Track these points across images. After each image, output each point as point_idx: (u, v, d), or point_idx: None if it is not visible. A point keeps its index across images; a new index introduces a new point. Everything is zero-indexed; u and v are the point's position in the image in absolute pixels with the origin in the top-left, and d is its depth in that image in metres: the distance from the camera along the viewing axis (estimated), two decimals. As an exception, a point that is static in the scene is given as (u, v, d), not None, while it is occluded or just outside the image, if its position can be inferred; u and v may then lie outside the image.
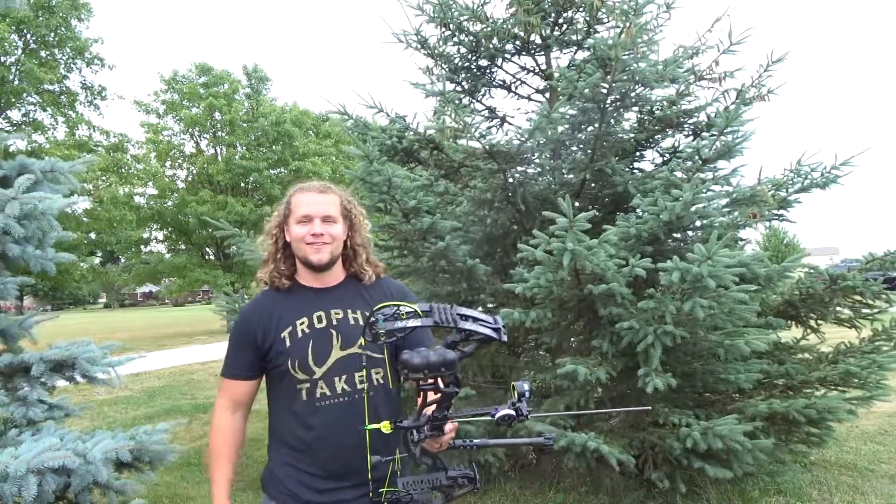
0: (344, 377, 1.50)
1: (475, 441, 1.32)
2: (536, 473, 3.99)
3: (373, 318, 1.10)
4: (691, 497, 3.44)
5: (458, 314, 1.12)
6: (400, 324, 1.10)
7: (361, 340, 1.53)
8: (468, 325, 1.10)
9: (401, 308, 1.11)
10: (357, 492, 1.47)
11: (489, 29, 4.39)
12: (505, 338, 1.14)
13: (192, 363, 11.41)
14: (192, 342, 16.64)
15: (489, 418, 1.21)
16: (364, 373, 1.51)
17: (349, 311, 1.57)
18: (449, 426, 1.26)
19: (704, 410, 3.43)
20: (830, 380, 3.62)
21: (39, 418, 2.79)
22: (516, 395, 1.20)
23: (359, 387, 1.50)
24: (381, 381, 1.55)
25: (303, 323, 1.53)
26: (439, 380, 1.10)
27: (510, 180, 3.99)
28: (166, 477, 4.34)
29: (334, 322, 1.54)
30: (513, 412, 1.19)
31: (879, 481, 3.88)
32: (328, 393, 1.48)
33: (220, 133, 22.20)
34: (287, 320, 1.53)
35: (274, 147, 21.50)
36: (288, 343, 1.51)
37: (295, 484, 1.50)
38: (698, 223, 3.50)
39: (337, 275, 1.63)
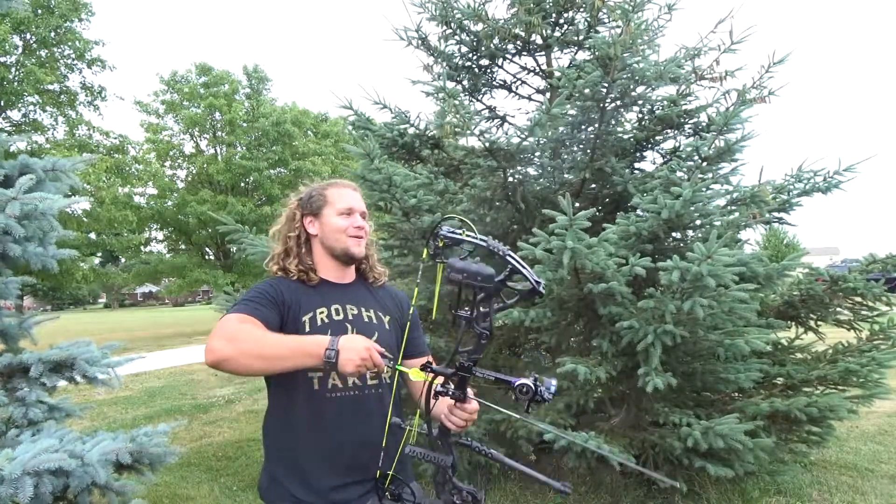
0: None
1: (492, 451, 1.32)
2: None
3: (437, 229, 1.18)
4: (691, 497, 3.44)
5: (508, 254, 1.17)
6: (458, 235, 1.19)
7: (374, 337, 1.53)
8: (514, 262, 1.16)
9: (462, 229, 1.21)
10: (362, 488, 1.47)
11: (490, 28, 4.39)
12: (543, 290, 1.19)
13: (192, 363, 11.41)
14: (192, 342, 16.62)
15: (507, 392, 1.21)
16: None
17: (363, 308, 1.59)
18: (473, 405, 1.29)
19: (705, 410, 3.43)
20: (830, 378, 3.62)
21: (39, 419, 2.79)
22: (542, 384, 1.20)
23: (369, 382, 1.51)
24: (390, 380, 1.56)
25: (322, 312, 1.53)
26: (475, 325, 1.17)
27: (510, 179, 3.99)
28: (166, 477, 4.34)
29: (350, 317, 1.55)
30: (531, 384, 1.19)
31: (879, 481, 3.88)
32: (339, 385, 1.48)
33: (219, 133, 22.20)
34: (307, 308, 1.53)
35: (274, 147, 21.50)
36: (307, 328, 1.50)
37: (299, 486, 1.46)
38: (698, 222, 3.50)
39: (351, 273, 1.66)
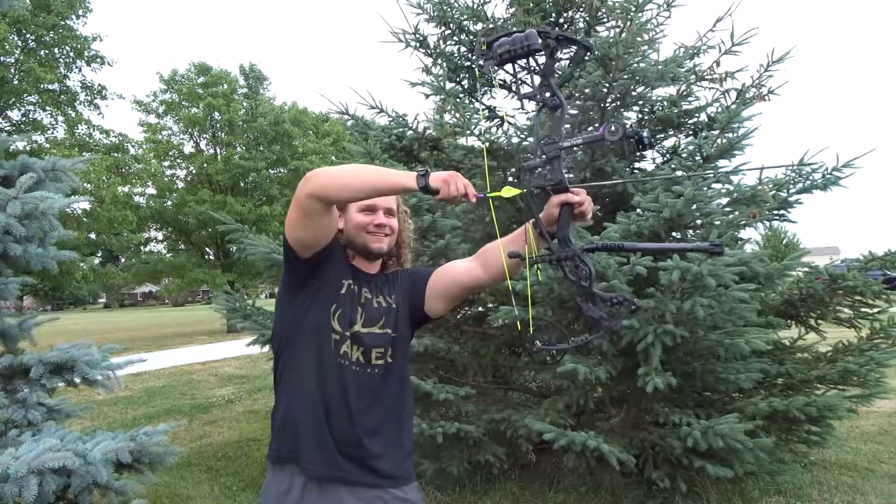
0: (361, 349, 1.54)
1: (624, 244, 1.26)
2: (536, 473, 3.99)
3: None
4: (691, 497, 3.44)
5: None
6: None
7: (382, 321, 1.58)
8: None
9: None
10: (352, 464, 1.48)
11: (489, 28, 4.38)
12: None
13: (192, 363, 11.40)
14: (193, 342, 16.62)
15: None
16: (382, 350, 1.56)
17: (375, 294, 1.62)
18: (580, 193, 1.30)
19: (704, 410, 3.43)
20: (830, 378, 3.62)
21: (39, 420, 2.79)
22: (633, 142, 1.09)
23: (373, 363, 1.54)
24: (391, 360, 1.58)
25: (347, 282, 1.58)
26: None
27: (510, 179, 3.99)
28: (166, 477, 4.33)
29: (362, 300, 1.59)
30: (620, 127, 1.08)
31: (879, 481, 3.88)
32: (348, 354, 1.52)
33: (218, 133, 22.18)
34: (340, 273, 1.58)
35: (273, 147, 21.48)
36: (343, 290, 1.55)
37: (313, 445, 1.47)
38: (699, 221, 3.50)
39: (376, 266, 1.69)
